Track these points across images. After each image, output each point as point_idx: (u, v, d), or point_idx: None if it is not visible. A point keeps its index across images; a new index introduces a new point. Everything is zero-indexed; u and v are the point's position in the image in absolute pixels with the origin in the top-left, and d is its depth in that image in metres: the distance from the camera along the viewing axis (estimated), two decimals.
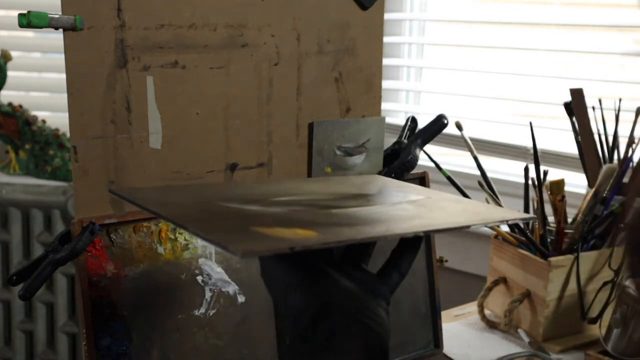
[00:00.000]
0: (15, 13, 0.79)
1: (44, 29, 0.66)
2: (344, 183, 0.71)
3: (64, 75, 0.68)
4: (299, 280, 0.52)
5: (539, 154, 1.06)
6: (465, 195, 1.02)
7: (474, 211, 0.61)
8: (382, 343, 0.52)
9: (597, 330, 1.01)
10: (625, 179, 1.07)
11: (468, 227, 0.55)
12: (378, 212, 0.59)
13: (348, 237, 0.47)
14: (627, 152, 1.11)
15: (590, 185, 1.13)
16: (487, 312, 1.12)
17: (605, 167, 1.06)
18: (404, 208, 0.60)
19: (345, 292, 0.52)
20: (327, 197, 0.63)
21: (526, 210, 1.10)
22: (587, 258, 1.05)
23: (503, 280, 1.10)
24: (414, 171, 0.91)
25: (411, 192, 0.68)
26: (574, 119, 1.13)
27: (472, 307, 1.15)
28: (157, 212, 0.51)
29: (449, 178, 1.03)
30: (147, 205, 0.53)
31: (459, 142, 1.27)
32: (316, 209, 0.57)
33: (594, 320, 1.03)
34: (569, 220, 1.09)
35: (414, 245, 0.58)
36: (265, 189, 0.66)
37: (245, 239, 0.44)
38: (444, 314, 1.09)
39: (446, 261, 0.98)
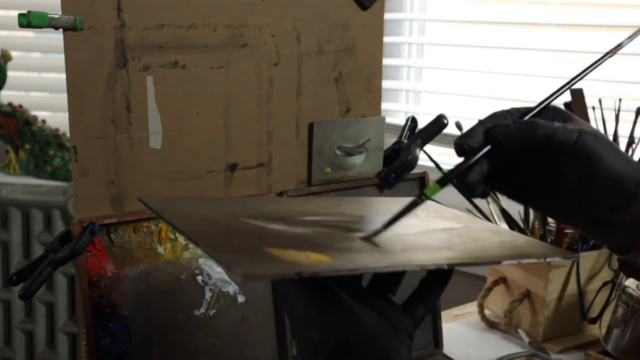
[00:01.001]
0: (15, 13, 0.79)
1: (44, 29, 0.66)
2: (382, 204, 0.67)
3: (64, 75, 0.68)
4: (317, 311, 0.49)
5: None
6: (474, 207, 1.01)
7: (511, 246, 0.56)
8: None
9: (597, 330, 1.01)
10: None
11: (499, 262, 0.51)
12: (405, 239, 0.55)
13: (361, 266, 0.44)
14: (627, 152, 1.11)
15: None
16: (487, 312, 1.12)
17: None
18: (437, 237, 0.57)
19: (365, 328, 0.49)
20: (362, 220, 0.59)
21: (526, 209, 1.10)
22: (587, 258, 1.05)
23: (503, 280, 1.10)
24: (414, 171, 0.91)
25: (450, 219, 0.63)
26: None
27: (472, 307, 1.15)
28: (176, 226, 0.49)
29: None
30: (169, 217, 0.51)
31: None
32: (342, 232, 0.54)
33: (594, 320, 1.03)
34: None
35: (443, 278, 0.54)
36: (298, 207, 0.63)
37: (251, 261, 0.42)
38: (444, 314, 1.09)
39: None
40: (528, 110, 0.56)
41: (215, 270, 0.78)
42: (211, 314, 0.77)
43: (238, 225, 0.53)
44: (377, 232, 0.53)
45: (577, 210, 0.57)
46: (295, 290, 0.49)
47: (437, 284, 0.54)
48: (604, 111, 1.12)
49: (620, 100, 1.12)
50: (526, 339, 1.03)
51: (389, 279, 0.55)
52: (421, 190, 0.56)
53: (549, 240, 1.06)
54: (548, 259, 0.53)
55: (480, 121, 0.56)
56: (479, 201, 1.10)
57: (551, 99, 0.57)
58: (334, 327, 0.48)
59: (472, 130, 0.55)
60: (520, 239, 0.60)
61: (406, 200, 0.62)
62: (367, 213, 0.58)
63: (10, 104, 1.79)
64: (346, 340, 0.48)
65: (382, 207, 0.66)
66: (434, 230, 0.59)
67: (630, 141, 1.10)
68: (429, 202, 0.68)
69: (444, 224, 0.61)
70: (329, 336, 0.48)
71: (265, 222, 0.54)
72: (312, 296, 0.49)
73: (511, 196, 0.60)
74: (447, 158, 1.70)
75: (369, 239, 0.52)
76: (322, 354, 0.48)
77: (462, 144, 0.54)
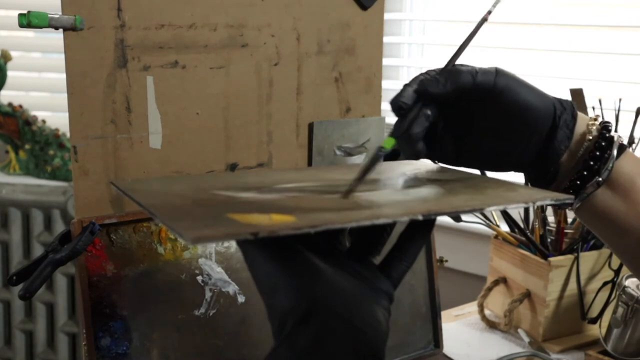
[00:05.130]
0: (15, 13, 0.79)
1: (44, 29, 0.66)
2: (380, 169, 0.62)
3: (64, 75, 0.68)
4: (284, 277, 0.45)
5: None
6: None
7: (500, 194, 0.52)
8: (377, 350, 0.45)
9: (597, 330, 1.01)
10: None
11: (481, 209, 0.48)
12: (384, 196, 0.52)
13: (323, 222, 0.41)
14: None
15: None
16: (487, 312, 1.12)
17: None
18: (421, 191, 0.53)
19: (336, 291, 0.45)
20: (339, 183, 0.55)
21: (526, 210, 1.10)
22: (587, 258, 1.05)
23: (503, 280, 1.10)
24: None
25: (450, 176, 0.60)
26: None
27: (472, 307, 1.15)
28: (138, 201, 0.47)
29: None
30: (133, 194, 0.49)
31: None
32: (315, 195, 0.51)
33: (594, 320, 1.03)
34: (569, 220, 1.09)
35: (424, 230, 0.50)
36: (279, 176, 0.60)
37: (206, 226, 0.40)
38: (444, 314, 1.09)
39: (446, 261, 0.98)
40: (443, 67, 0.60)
41: (215, 270, 0.78)
42: (211, 314, 0.77)
43: (206, 197, 0.50)
44: (348, 192, 0.50)
45: (506, 155, 0.60)
46: (260, 256, 0.46)
47: (416, 238, 0.50)
48: (604, 111, 1.12)
49: (620, 100, 1.12)
50: (526, 339, 1.03)
51: (369, 240, 0.51)
52: (378, 148, 0.55)
53: (549, 240, 1.06)
54: (538, 203, 0.50)
55: (406, 84, 0.59)
56: None
57: (459, 55, 0.61)
58: (303, 292, 0.45)
59: (403, 90, 0.58)
60: (515, 188, 0.55)
61: (389, 164, 0.62)
62: (348, 177, 0.54)
63: (10, 104, 1.78)
64: (316, 304, 0.44)
65: (381, 170, 0.62)
66: (417, 186, 0.55)
67: (631, 141, 1.10)
68: (418, 163, 0.65)
69: (431, 181, 0.58)
70: (298, 302, 0.45)
71: (237, 192, 0.52)
72: (278, 260, 0.46)
73: (448, 159, 0.62)
74: None
75: (340, 198, 0.49)
76: (291, 321, 0.45)
77: (398, 103, 0.57)
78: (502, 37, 1.66)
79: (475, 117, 0.60)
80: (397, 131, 0.57)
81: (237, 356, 0.79)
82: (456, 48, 0.63)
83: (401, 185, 0.56)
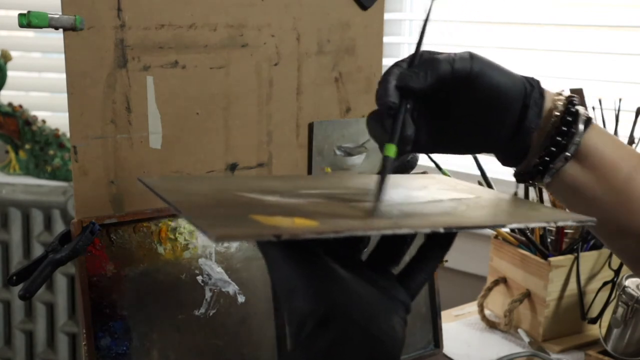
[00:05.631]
0: (15, 13, 0.79)
1: (44, 29, 0.66)
2: (393, 179, 0.63)
3: (64, 75, 0.68)
4: (305, 280, 0.46)
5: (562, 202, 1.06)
6: None
7: (521, 213, 0.53)
8: (392, 358, 0.46)
9: (597, 330, 1.01)
10: None
11: (503, 226, 0.48)
12: (406, 207, 0.52)
13: (346, 228, 0.41)
14: None
15: None
16: (487, 312, 1.12)
17: None
18: (442, 205, 0.54)
19: (354, 297, 0.46)
20: (364, 192, 0.56)
21: None
22: (587, 258, 1.05)
23: (503, 280, 1.10)
24: (414, 171, 0.91)
25: (463, 191, 0.61)
26: None
27: (472, 307, 1.15)
28: (164, 198, 0.48)
29: None
30: (159, 191, 0.49)
31: None
32: (341, 202, 0.51)
33: (594, 320, 1.03)
34: None
35: (444, 243, 0.50)
36: (303, 183, 0.60)
37: (229, 225, 0.40)
38: (444, 314, 1.09)
39: (446, 261, 0.97)
40: (412, 56, 0.59)
41: (215, 270, 0.78)
42: (211, 314, 0.77)
43: (230, 197, 0.51)
44: (373, 209, 0.50)
45: (481, 138, 0.60)
46: (281, 258, 0.47)
47: (435, 251, 0.50)
48: (604, 111, 1.12)
49: (620, 100, 1.12)
50: (526, 339, 1.03)
51: (389, 250, 0.51)
52: (384, 158, 0.55)
53: (548, 240, 1.06)
54: (560, 224, 0.50)
55: (381, 82, 0.57)
56: None
57: (421, 43, 0.61)
58: (321, 296, 0.45)
59: (385, 89, 0.56)
60: (538, 207, 0.56)
61: (417, 177, 0.60)
62: (373, 186, 0.55)
63: (10, 104, 1.79)
64: (334, 309, 0.45)
65: (391, 182, 0.62)
66: (441, 200, 0.56)
67: (630, 141, 1.10)
68: (442, 177, 0.67)
69: (454, 195, 0.59)
70: (317, 305, 0.45)
71: (261, 194, 0.52)
72: (298, 263, 0.46)
73: (423, 148, 0.61)
74: (447, 158, 1.71)
75: (364, 207, 0.50)
76: (309, 325, 0.45)
77: (387, 103, 0.56)
78: (502, 37, 1.66)
79: (450, 104, 0.59)
80: (394, 136, 0.55)
81: (237, 356, 0.79)
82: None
83: (424, 199, 0.57)
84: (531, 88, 0.59)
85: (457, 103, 0.59)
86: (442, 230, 0.44)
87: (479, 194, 0.59)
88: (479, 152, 0.64)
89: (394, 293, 0.48)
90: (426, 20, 0.61)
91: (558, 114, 0.60)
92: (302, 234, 0.39)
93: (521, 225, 0.48)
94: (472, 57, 0.58)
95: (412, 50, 0.60)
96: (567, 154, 0.59)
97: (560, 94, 0.61)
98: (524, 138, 0.59)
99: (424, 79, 0.56)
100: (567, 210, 0.64)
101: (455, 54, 0.58)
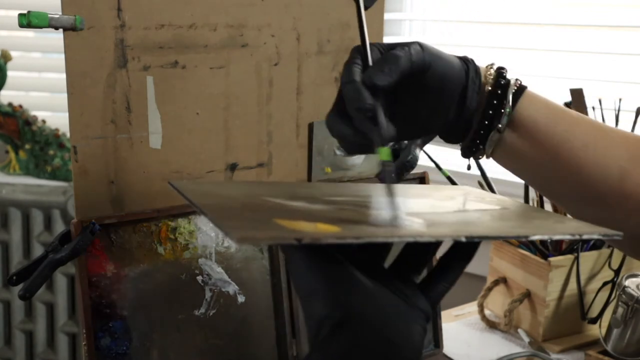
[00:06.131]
0: (15, 13, 0.79)
1: (44, 29, 0.66)
2: (420, 189, 0.65)
3: (64, 75, 0.68)
4: (324, 285, 0.46)
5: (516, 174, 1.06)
6: None
7: (546, 225, 0.52)
8: None
9: (597, 330, 1.01)
10: None
11: (526, 237, 0.47)
12: (430, 217, 0.52)
13: (366, 235, 0.42)
14: None
15: None
16: (487, 312, 1.12)
17: None
18: (467, 215, 0.54)
19: (373, 303, 0.46)
20: (389, 200, 0.56)
21: None
22: (587, 258, 1.05)
23: (503, 280, 1.10)
24: (414, 171, 0.91)
25: (490, 202, 0.60)
26: None
27: (472, 307, 1.15)
28: (191, 200, 0.48)
29: (449, 178, 1.03)
30: (187, 193, 0.50)
31: None
32: (366, 209, 0.52)
33: (594, 320, 1.03)
34: None
35: (467, 253, 0.50)
36: (330, 189, 0.61)
37: (252, 228, 0.41)
38: (444, 314, 1.09)
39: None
40: (364, 52, 0.59)
41: (215, 270, 0.78)
42: (211, 314, 0.77)
43: (256, 202, 0.52)
44: (395, 220, 0.50)
45: (429, 123, 0.62)
46: (302, 262, 0.47)
47: (458, 261, 0.50)
48: (604, 111, 1.12)
49: (620, 100, 1.12)
50: (526, 339, 1.03)
51: (412, 258, 0.51)
52: (383, 163, 0.55)
53: (548, 240, 1.06)
54: (585, 236, 0.49)
55: (350, 81, 0.56)
56: None
57: (365, 35, 0.61)
58: (339, 301, 0.46)
59: (356, 91, 0.55)
60: (563, 220, 0.55)
61: (446, 188, 0.60)
62: (400, 196, 0.55)
63: (10, 104, 1.79)
64: (351, 314, 0.45)
65: (418, 192, 0.64)
66: (467, 210, 0.57)
67: None
68: (471, 189, 0.68)
69: (480, 205, 0.59)
70: (334, 309, 0.45)
71: (286, 200, 0.53)
72: (319, 268, 0.46)
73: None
74: (447, 158, 1.71)
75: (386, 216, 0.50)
76: (325, 328, 0.45)
77: (366, 106, 0.55)
78: (502, 37, 1.66)
79: (400, 94, 0.60)
80: (384, 138, 0.55)
81: (237, 356, 0.79)
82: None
83: (449, 209, 0.57)
84: (467, 68, 0.61)
85: (405, 92, 0.60)
86: (463, 240, 0.44)
87: (506, 205, 0.59)
88: (427, 135, 0.65)
89: (415, 301, 0.48)
90: (360, 13, 0.62)
91: (490, 88, 0.62)
92: (323, 239, 0.40)
93: (545, 237, 0.48)
94: (422, 48, 0.58)
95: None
96: (499, 125, 0.61)
97: (491, 67, 0.63)
98: (466, 117, 0.61)
99: (389, 77, 0.56)
100: (519, 177, 0.66)
101: (407, 46, 0.58)
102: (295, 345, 0.83)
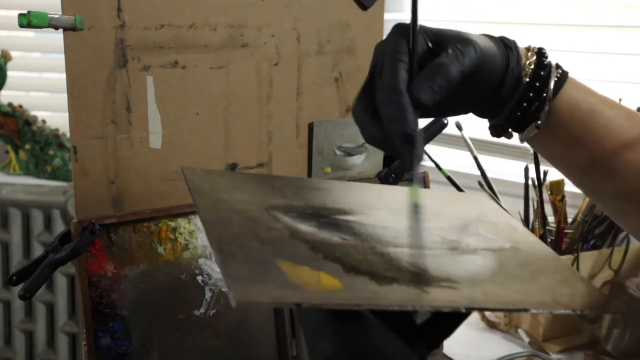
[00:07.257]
0: (15, 13, 0.79)
1: (44, 29, 0.66)
2: (440, 204, 0.63)
3: (64, 75, 0.68)
4: (330, 323, 0.46)
5: (539, 154, 1.06)
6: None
7: (556, 290, 0.51)
8: None
9: (597, 330, 1.01)
10: None
11: (526, 310, 0.47)
12: (436, 259, 0.51)
13: (368, 302, 0.43)
14: None
15: None
16: (487, 312, 1.12)
17: None
18: (472, 262, 0.52)
19: (379, 344, 0.46)
20: (396, 225, 0.55)
21: (526, 209, 1.10)
22: (587, 258, 1.05)
23: None
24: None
25: (501, 233, 0.59)
26: None
27: None
28: (198, 206, 0.48)
29: (449, 178, 1.03)
30: (197, 196, 0.49)
31: (459, 142, 1.27)
32: (374, 247, 0.51)
33: (594, 320, 1.03)
34: (569, 220, 1.09)
35: (464, 315, 0.50)
36: (341, 197, 0.59)
37: (253, 280, 0.41)
38: None
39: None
40: (412, 53, 0.53)
41: (215, 270, 0.78)
42: (211, 314, 0.77)
43: (266, 221, 0.50)
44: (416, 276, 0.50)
45: (466, 106, 0.60)
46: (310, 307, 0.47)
47: (456, 316, 0.50)
48: None
49: (620, 100, 1.12)
50: (526, 339, 1.03)
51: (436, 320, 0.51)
52: (414, 205, 0.55)
53: (549, 240, 1.06)
54: (585, 312, 0.49)
55: (389, 87, 0.51)
56: None
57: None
58: (347, 341, 0.46)
59: (400, 107, 0.50)
60: (573, 282, 0.53)
61: (460, 199, 0.57)
62: (419, 218, 0.54)
63: (10, 104, 1.78)
64: (358, 355, 0.45)
65: (432, 207, 0.61)
66: (475, 250, 0.55)
67: None
68: (484, 200, 0.67)
69: (489, 242, 0.57)
70: (341, 350, 0.45)
71: (296, 219, 0.52)
72: (328, 313, 0.46)
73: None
74: (447, 158, 1.71)
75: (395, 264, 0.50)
76: None
77: (410, 133, 0.50)
78: None
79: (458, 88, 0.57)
80: (417, 175, 0.52)
81: (237, 356, 0.79)
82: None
83: (457, 246, 0.55)
84: (508, 61, 0.58)
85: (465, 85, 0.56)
86: (463, 310, 0.45)
87: (517, 240, 0.57)
88: (456, 114, 0.62)
89: (415, 343, 0.48)
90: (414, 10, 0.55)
91: (528, 80, 0.59)
92: (323, 305, 0.41)
93: (545, 311, 0.48)
94: (476, 51, 0.54)
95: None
96: (538, 122, 0.60)
97: (531, 51, 0.61)
98: (503, 101, 0.59)
99: (438, 94, 0.51)
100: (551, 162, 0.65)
101: (461, 50, 0.53)
102: (295, 345, 0.83)
